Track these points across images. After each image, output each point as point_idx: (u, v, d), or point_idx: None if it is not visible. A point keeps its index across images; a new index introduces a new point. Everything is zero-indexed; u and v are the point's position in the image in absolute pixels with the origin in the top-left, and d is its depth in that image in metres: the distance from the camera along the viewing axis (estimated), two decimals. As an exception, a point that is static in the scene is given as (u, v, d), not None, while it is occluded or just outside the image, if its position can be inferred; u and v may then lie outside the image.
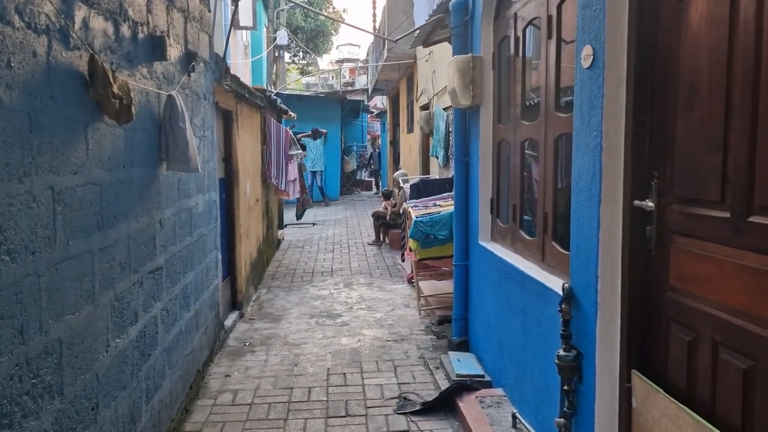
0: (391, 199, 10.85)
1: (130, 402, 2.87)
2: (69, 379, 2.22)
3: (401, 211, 7.78)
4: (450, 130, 8.91)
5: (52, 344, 2.10)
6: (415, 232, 5.46)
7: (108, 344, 2.62)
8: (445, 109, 9.33)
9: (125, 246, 2.83)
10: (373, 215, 10.64)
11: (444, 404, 4.04)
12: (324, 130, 15.97)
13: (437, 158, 9.64)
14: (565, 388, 2.77)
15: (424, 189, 8.30)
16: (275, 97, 9.40)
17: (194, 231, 4.28)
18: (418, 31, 7.34)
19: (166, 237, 3.53)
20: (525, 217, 3.96)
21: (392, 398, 4.24)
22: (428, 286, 6.56)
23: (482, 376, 4.33)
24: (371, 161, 20.77)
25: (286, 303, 6.87)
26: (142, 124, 3.10)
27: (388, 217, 10.23)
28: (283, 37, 17.32)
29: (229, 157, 6.17)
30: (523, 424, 3.41)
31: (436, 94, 9.87)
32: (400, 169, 15.26)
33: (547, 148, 3.41)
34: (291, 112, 10.94)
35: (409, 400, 4.16)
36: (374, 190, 20.73)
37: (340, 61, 43.18)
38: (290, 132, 9.18)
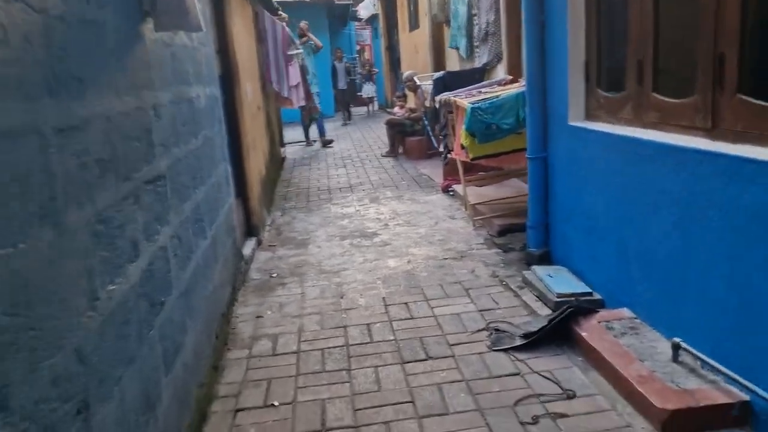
0: (406, 102, 9.64)
1: (141, 379, 1.85)
2: (19, 373, 1.16)
3: (434, 107, 6.60)
4: (474, 12, 7.61)
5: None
6: (473, 122, 4.34)
7: (95, 295, 1.56)
8: (465, -12, 7.95)
9: (103, 133, 1.71)
10: (386, 123, 9.44)
11: (553, 333, 3.07)
12: (319, 42, 11.72)
13: (458, 50, 8.35)
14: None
15: (451, 83, 7.10)
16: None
17: (199, 132, 3.15)
18: None
19: (166, 133, 2.40)
20: (662, 74, 2.85)
21: (479, 330, 3.27)
22: (474, 194, 5.51)
23: (590, 294, 3.36)
24: (372, 71, 18.76)
25: (308, 225, 5.82)
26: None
27: (406, 123, 9.05)
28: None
29: (224, 48, 4.92)
30: (701, 359, 2.44)
31: (452, -27, 8.43)
32: (402, 72, 13.90)
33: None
34: (282, 12, 9.46)
35: (504, 331, 3.19)
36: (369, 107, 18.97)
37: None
38: (287, 28, 7.82)
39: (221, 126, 4.05)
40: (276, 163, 8.43)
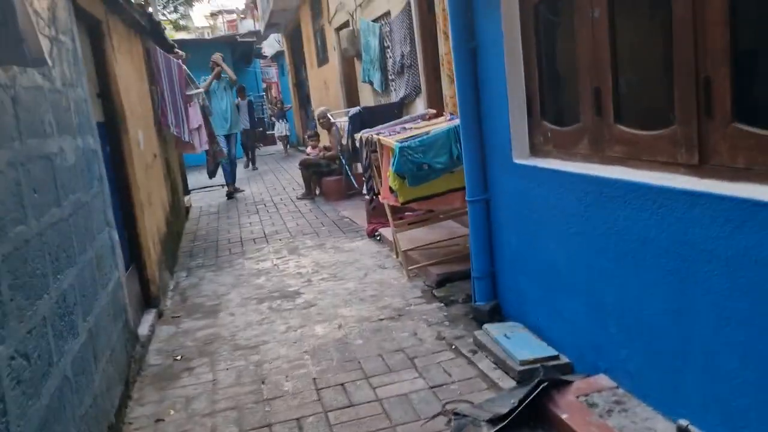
0: (319, 141, 9.10)
1: None
2: None
3: (352, 146, 6.10)
4: (386, 44, 7.25)
5: None
6: (402, 163, 3.84)
7: None
8: (375, 20, 7.62)
9: None
10: (301, 164, 8.84)
11: (525, 414, 2.55)
12: (233, 74, 9.73)
13: (371, 83, 7.96)
14: None
15: (369, 119, 6.66)
16: (159, 20, 7.23)
17: (65, 197, 2.44)
18: None
19: (-1, 209, 1.71)
20: (625, 102, 2.46)
21: (435, 416, 2.70)
22: (404, 238, 5.00)
23: (556, 357, 2.90)
24: (284, 107, 18.05)
25: (219, 286, 5.09)
26: None
27: (321, 163, 8.49)
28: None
29: (107, 91, 4.20)
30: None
31: (360, 5, 8.09)
32: (314, 109, 13.42)
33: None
34: (179, 50, 8.70)
35: (466, 416, 2.65)
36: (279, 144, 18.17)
37: (216, 14, 39.48)
38: (184, 66, 7.12)
39: (102, 184, 3.32)
40: (179, 214, 7.60)
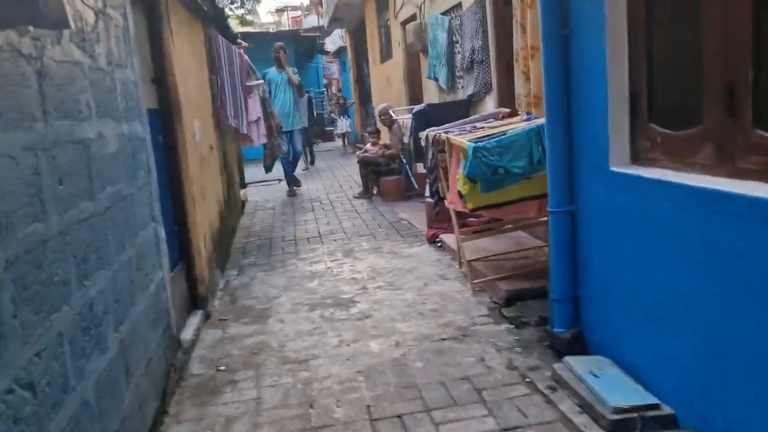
0: (380, 138, 8.77)
1: None
2: None
3: (414, 144, 5.72)
4: (455, 39, 6.83)
5: None
6: (476, 165, 3.42)
7: None
8: (443, 13, 7.21)
9: None
10: (359, 161, 8.51)
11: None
12: (295, 78, 9.03)
13: (437, 80, 7.56)
14: None
15: (434, 117, 6.26)
16: (221, 6, 7.05)
17: (99, 189, 2.15)
18: None
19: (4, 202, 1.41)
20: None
21: (509, 466, 2.30)
22: (469, 247, 4.58)
23: (657, 406, 2.43)
24: (346, 104, 17.86)
25: (270, 288, 4.80)
26: None
27: (381, 161, 8.15)
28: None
29: (162, 77, 3.96)
30: None
31: (429, -3, 7.69)
32: (374, 107, 13.12)
33: None
34: (242, 41, 8.52)
35: (547, 470, 2.23)
36: (337, 140, 17.99)
37: (281, 10, 39.84)
38: (245, 56, 6.90)
39: (150, 176, 3.06)
40: (234, 209, 7.41)
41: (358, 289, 4.58)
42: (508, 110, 4.70)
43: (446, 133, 4.23)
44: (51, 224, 1.64)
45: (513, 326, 3.60)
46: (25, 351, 1.40)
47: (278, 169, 9.28)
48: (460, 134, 4.05)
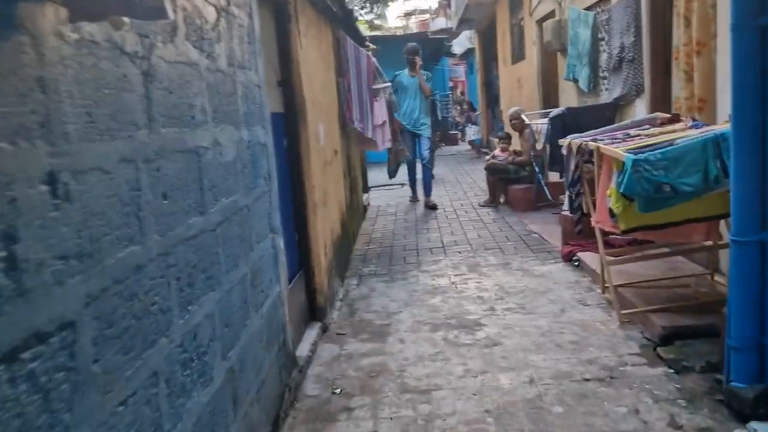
0: (510, 143, 8.26)
1: None
2: None
3: (552, 153, 5.21)
4: (601, 35, 6.20)
5: None
6: (635, 181, 2.90)
7: None
8: (587, 8, 6.58)
9: None
10: (486, 168, 8.06)
11: None
12: (426, 87, 8.29)
13: (576, 81, 6.94)
14: None
15: (574, 122, 5.72)
16: (351, 7, 6.93)
17: (212, 202, 1.96)
18: None
19: (93, 226, 1.20)
20: None
21: None
22: (615, 270, 4.01)
23: None
24: (469, 109, 17.45)
25: (390, 302, 4.53)
26: None
27: (510, 168, 7.66)
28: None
29: (288, 79, 3.82)
30: None
31: (571, -9, 7.08)
32: (502, 110, 12.60)
33: None
34: (370, 44, 8.38)
35: None
36: (462, 144, 17.54)
37: (409, 14, 40.03)
38: (373, 59, 6.72)
39: (271, 183, 2.88)
40: (357, 213, 7.27)
41: (485, 309, 4.18)
42: (667, 116, 4.07)
43: (594, 141, 3.71)
44: (150, 246, 1.43)
45: (672, 371, 3.03)
46: (106, 401, 1.18)
47: (401, 173, 9.03)
48: (613, 143, 3.52)
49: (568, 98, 7.45)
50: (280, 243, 3.02)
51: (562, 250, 5.22)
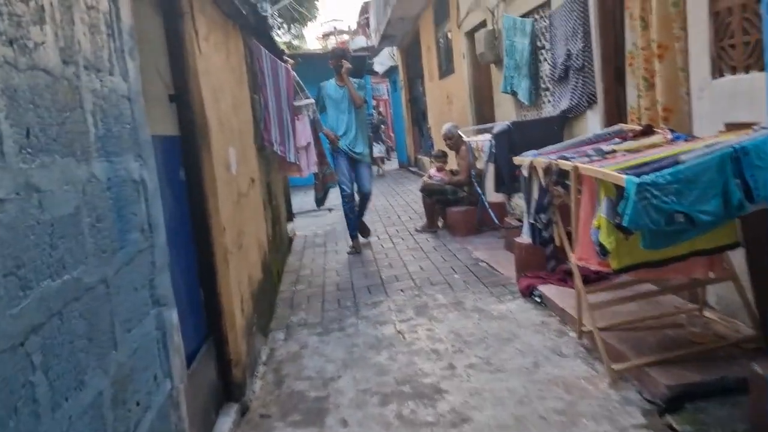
0: (446, 163, 7.64)
1: None
2: None
3: (486, 173, 4.56)
4: (540, 44, 5.70)
5: None
6: (641, 211, 2.24)
7: None
8: (524, 15, 6.09)
9: None
10: (422, 189, 7.38)
11: None
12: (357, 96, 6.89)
13: (515, 94, 6.41)
14: None
15: (520, 138, 5.14)
16: (265, 14, 6.09)
17: (17, 295, 1.09)
18: None
19: None
20: None
21: None
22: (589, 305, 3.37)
23: None
24: (381, 127, 16.97)
25: (326, 363, 3.70)
26: None
27: (447, 189, 7.02)
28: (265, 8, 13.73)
29: (184, 92, 2.96)
30: None
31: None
32: (430, 127, 12.10)
33: None
34: (289, 58, 7.51)
35: None
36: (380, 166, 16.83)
37: (327, 35, 39.44)
38: (293, 72, 5.93)
39: (152, 237, 2.00)
40: (281, 248, 6.40)
41: (443, 368, 3.43)
42: (637, 127, 3.51)
43: (565, 159, 3.06)
44: None
45: (692, 450, 2.38)
46: None
47: (330, 200, 8.16)
48: (592, 162, 2.88)
49: (506, 112, 6.93)
50: (172, 316, 2.14)
51: (519, 284, 4.57)
